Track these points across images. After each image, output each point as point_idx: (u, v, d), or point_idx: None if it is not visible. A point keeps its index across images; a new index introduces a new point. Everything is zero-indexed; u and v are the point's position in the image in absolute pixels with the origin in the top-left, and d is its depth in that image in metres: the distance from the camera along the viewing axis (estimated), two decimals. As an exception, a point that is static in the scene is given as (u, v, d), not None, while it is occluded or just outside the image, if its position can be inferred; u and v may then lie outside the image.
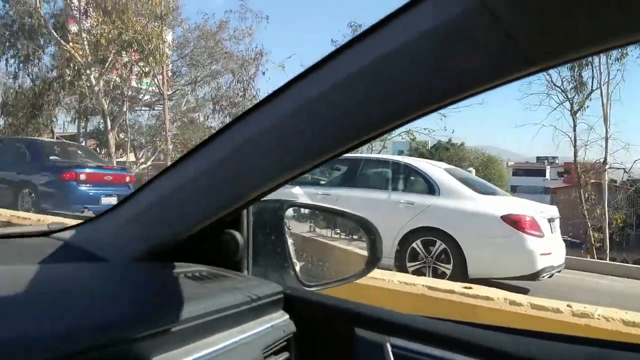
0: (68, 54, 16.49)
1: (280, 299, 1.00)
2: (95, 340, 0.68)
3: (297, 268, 1.21)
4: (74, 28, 16.63)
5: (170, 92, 17.31)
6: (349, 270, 1.35)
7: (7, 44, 17.62)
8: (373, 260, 1.27)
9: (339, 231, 1.74)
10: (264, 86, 17.87)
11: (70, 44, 16.28)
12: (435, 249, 6.07)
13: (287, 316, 0.98)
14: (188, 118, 18.62)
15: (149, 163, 18.13)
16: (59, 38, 16.34)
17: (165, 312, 0.79)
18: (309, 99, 0.85)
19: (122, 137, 18.47)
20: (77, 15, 16.36)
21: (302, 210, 1.52)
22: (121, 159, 17.85)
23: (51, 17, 17.25)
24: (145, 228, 1.07)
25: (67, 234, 1.19)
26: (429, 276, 5.75)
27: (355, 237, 1.68)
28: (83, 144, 18.32)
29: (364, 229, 1.31)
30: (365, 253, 1.40)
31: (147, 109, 19.78)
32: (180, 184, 1.02)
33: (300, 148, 0.88)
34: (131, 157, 18.41)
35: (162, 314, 0.78)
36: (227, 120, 18.00)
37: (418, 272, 5.78)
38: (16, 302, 0.76)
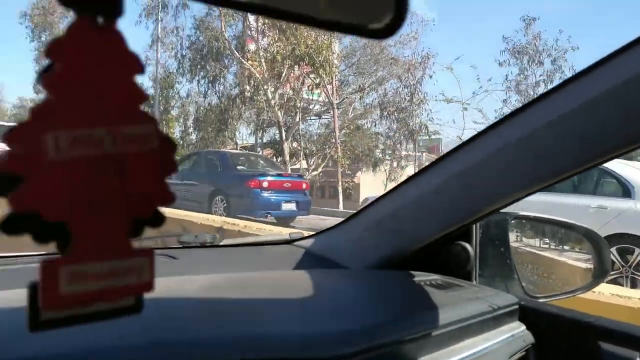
0: (248, 72, 18.09)
1: (516, 309, 1.03)
2: (367, 342, 0.77)
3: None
4: (252, 47, 18.16)
5: (338, 101, 18.01)
6: (571, 282, 1.33)
7: (199, 66, 19.92)
8: (601, 273, 1.24)
9: (547, 241, 1.70)
10: (432, 89, 17.69)
11: (249, 62, 17.80)
12: (634, 257, 5.49)
13: (523, 327, 1.01)
14: (354, 125, 19.15)
15: (319, 169, 19.01)
16: (240, 57, 17.99)
17: (423, 317, 0.87)
18: (550, 121, 0.87)
19: (295, 146, 19.63)
20: (255, 36, 17.82)
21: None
22: (294, 167, 18.97)
23: (233, 39, 19.04)
24: (380, 238, 1.16)
25: (307, 242, 1.34)
26: (626, 287, 5.22)
27: (566, 247, 1.63)
28: (260, 153, 19.87)
29: (590, 240, 1.28)
30: (583, 265, 1.36)
31: (316, 118, 20.79)
32: (416, 198, 1.09)
33: (540, 166, 0.90)
34: (303, 165, 19.48)
35: (420, 319, 0.86)
36: (394, 125, 18.18)
37: (613, 283, 5.28)
38: (287, 304, 0.89)
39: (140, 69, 0.30)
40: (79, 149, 0.28)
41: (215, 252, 1.32)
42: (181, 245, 1.30)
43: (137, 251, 0.31)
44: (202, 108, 21.38)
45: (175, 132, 24.22)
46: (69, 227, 0.28)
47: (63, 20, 23.66)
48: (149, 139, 0.30)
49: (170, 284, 0.97)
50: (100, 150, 0.29)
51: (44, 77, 0.27)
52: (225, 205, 10.71)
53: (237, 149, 19.97)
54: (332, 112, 17.59)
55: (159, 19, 20.08)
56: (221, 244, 1.35)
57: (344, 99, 18.80)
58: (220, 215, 10.07)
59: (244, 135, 23.55)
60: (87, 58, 0.28)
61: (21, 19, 24.17)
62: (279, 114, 18.03)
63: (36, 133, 0.27)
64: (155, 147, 0.31)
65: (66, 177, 0.27)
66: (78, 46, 0.27)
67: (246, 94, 19.35)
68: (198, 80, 20.45)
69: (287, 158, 17.88)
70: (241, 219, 8.42)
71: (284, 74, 17.44)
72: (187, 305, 0.83)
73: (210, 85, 20.43)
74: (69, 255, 0.28)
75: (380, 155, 18.77)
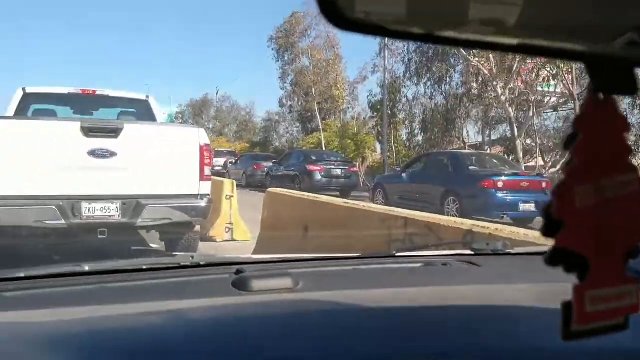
0: (475, 69, 17.63)
1: None
2: None
3: None
4: (479, 43, 17.65)
5: (579, 91, 16.41)
6: None
7: (425, 69, 20.16)
8: None
9: None
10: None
11: (476, 59, 17.33)
12: None
13: None
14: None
15: (557, 167, 17.58)
16: (466, 55, 17.65)
17: None
18: None
19: (529, 142, 18.49)
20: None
21: None
22: (529, 165, 17.88)
23: (459, 37, 18.77)
24: None
25: None
26: None
27: None
28: (488, 151, 19.20)
29: None
30: None
31: (552, 111, 19.28)
32: None
33: None
34: (539, 162, 18.24)
35: None
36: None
37: None
38: None
39: (627, 127, 0.36)
40: (592, 198, 0.35)
41: (509, 260, 1.34)
42: (473, 252, 1.36)
43: (628, 279, 0.37)
44: (428, 109, 21.57)
45: (402, 135, 24.89)
46: (587, 261, 0.35)
47: (302, 39, 26.24)
48: (633, 184, 0.36)
49: (479, 292, 1.04)
50: (602, 198, 0.35)
51: (571, 145, 0.35)
52: (457, 206, 10.62)
53: (465, 148, 19.63)
54: (572, 104, 16.10)
55: (386, 27, 20.82)
56: (513, 251, 1.38)
57: (585, 88, 17.06)
58: (453, 216, 10.01)
59: (471, 134, 23.08)
60: (597, 126, 0.35)
61: (268, 43, 27.61)
62: (510, 109, 17.18)
63: (569, 188, 0.34)
64: (636, 191, 0.36)
65: (585, 221, 0.35)
66: (592, 118, 0.35)
67: (473, 91, 18.89)
68: (425, 83, 20.73)
69: (521, 156, 16.93)
70: (474, 220, 8.23)
71: (514, 68, 16.57)
72: (501, 313, 0.87)
73: (436, 86, 20.52)
74: (588, 282, 0.36)
75: (634, 148, 16.52)
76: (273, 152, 27.99)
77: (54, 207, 4.30)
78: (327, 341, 0.72)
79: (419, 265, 1.23)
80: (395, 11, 0.31)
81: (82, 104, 6.61)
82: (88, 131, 4.45)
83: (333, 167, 17.11)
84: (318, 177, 16.56)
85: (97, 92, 6.54)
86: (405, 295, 0.95)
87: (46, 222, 4.31)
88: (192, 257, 1.19)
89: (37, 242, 4.67)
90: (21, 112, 6.00)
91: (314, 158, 17.55)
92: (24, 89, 6.14)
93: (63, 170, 4.38)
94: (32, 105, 6.28)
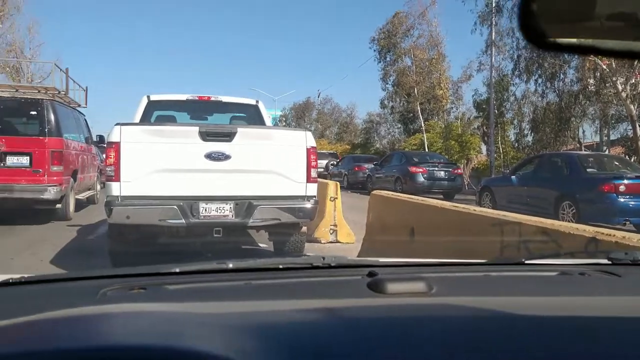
0: (592, 64, 16.45)
1: None
2: None
3: None
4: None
5: None
6: None
7: (535, 65, 19.16)
8: None
9: None
10: None
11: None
12: None
13: None
14: None
15: (688, 169, 15.93)
16: (582, 50, 16.55)
17: None
18: None
19: (654, 142, 16.96)
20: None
21: None
22: (655, 166, 16.37)
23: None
24: None
25: None
26: None
27: None
28: (607, 152, 17.84)
29: None
30: None
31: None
32: None
33: None
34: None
35: None
36: None
37: None
38: None
39: None
40: None
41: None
42: (610, 262, 1.28)
43: None
44: (539, 108, 20.46)
45: (510, 135, 23.81)
46: None
47: (404, 40, 25.98)
48: None
49: (625, 303, 0.98)
50: None
51: None
52: (573, 211, 9.97)
53: (580, 149, 18.41)
54: None
55: (493, 23, 20.06)
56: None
57: None
58: (569, 222, 9.41)
59: (588, 133, 21.58)
60: None
61: (370, 44, 27.65)
62: (632, 107, 15.84)
63: None
64: None
65: None
66: None
67: (590, 88, 17.65)
68: (535, 80, 19.70)
69: (644, 157, 15.56)
70: (592, 226, 7.65)
71: (636, 62, 15.25)
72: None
73: (547, 83, 19.41)
74: None
75: None
76: (374, 153, 27.91)
77: (175, 207, 4.60)
78: (470, 347, 0.71)
79: (554, 274, 1.18)
80: (593, 30, 0.31)
81: (197, 109, 7.02)
82: (205, 135, 4.71)
83: (436, 169, 16.72)
84: (420, 179, 16.26)
85: (212, 98, 6.91)
86: (545, 304, 0.92)
87: (168, 220, 4.63)
88: (324, 258, 1.23)
89: (162, 239, 5.03)
90: (145, 118, 6.49)
91: (416, 160, 17.25)
92: (148, 97, 6.63)
93: (183, 172, 4.68)
94: (155, 112, 6.77)
